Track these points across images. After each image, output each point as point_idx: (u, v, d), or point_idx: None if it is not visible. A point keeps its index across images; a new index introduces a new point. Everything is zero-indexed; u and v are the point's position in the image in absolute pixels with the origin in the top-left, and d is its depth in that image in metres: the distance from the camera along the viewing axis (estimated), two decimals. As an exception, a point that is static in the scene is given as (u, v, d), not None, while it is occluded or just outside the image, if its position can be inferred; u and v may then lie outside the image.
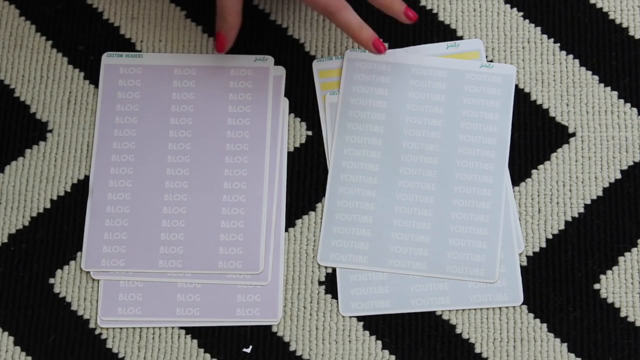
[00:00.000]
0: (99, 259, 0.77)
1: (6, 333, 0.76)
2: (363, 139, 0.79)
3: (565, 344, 0.76)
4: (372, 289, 0.77)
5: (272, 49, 0.82)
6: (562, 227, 0.78)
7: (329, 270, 0.77)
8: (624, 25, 0.82)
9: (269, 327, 0.76)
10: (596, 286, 0.77)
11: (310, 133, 0.80)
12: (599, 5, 0.83)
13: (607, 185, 0.79)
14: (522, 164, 0.79)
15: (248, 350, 0.76)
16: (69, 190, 0.79)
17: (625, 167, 0.79)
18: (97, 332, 0.76)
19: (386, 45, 0.79)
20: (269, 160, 0.79)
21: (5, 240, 0.78)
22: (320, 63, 0.81)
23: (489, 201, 0.78)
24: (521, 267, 0.77)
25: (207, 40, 0.82)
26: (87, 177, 0.79)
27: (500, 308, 0.76)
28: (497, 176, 0.79)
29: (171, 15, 0.83)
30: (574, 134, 0.80)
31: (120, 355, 0.76)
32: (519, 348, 0.76)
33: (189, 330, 0.76)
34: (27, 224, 0.79)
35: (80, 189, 0.79)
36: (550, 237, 0.78)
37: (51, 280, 0.77)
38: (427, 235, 0.77)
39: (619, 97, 0.81)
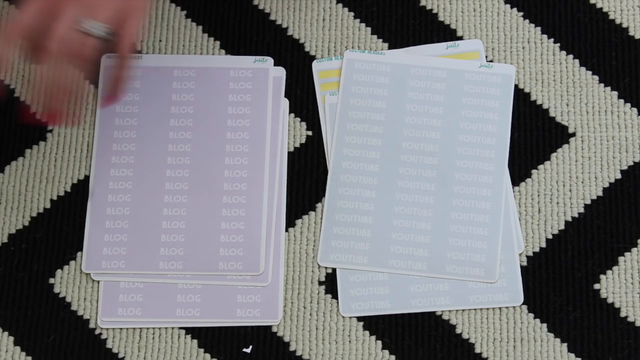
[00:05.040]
0: (99, 260, 0.77)
1: (6, 333, 0.76)
2: (363, 140, 0.79)
3: (565, 344, 0.76)
4: (372, 289, 0.77)
5: (272, 49, 0.82)
6: (562, 227, 0.78)
7: (329, 271, 0.77)
8: (624, 25, 0.82)
9: (269, 327, 0.76)
10: (596, 286, 0.77)
11: (310, 133, 0.80)
12: (599, 5, 0.82)
13: (607, 185, 0.79)
14: (522, 164, 0.79)
15: (248, 350, 0.76)
16: (69, 190, 0.79)
17: (625, 167, 0.79)
18: (97, 332, 0.76)
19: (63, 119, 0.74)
20: (269, 160, 0.79)
21: (5, 240, 0.78)
22: (320, 63, 0.81)
23: (489, 201, 0.78)
24: (521, 267, 0.77)
25: (208, 40, 0.82)
26: (87, 177, 0.79)
27: (500, 308, 0.76)
28: (497, 176, 0.79)
29: (171, 15, 0.83)
30: (574, 134, 0.80)
31: (120, 355, 0.76)
32: (519, 348, 0.76)
33: (189, 330, 0.76)
34: (27, 224, 0.79)
35: (80, 189, 0.79)
36: (550, 237, 0.78)
37: (51, 280, 0.77)
38: (427, 235, 0.77)
39: (619, 97, 0.81)
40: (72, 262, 0.78)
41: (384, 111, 0.80)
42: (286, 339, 0.76)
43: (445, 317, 0.76)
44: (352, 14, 0.83)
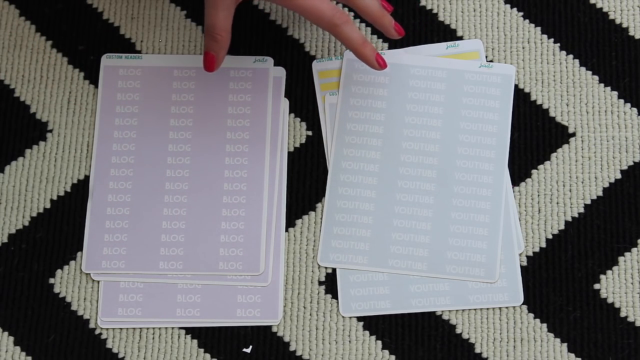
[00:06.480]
0: (99, 260, 0.77)
1: (6, 333, 0.76)
2: (363, 140, 0.79)
3: (565, 344, 0.76)
4: (372, 289, 0.77)
5: (272, 49, 0.82)
6: (562, 227, 0.78)
7: (329, 270, 0.77)
8: (624, 25, 0.82)
9: (269, 327, 0.76)
10: (596, 286, 0.77)
11: (310, 133, 0.80)
12: (599, 5, 0.82)
13: (607, 185, 0.79)
14: (522, 164, 0.79)
15: (248, 350, 0.76)
16: (69, 190, 0.79)
17: (625, 167, 0.79)
18: (97, 332, 0.76)
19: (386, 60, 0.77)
20: (269, 160, 0.79)
21: (5, 240, 0.78)
22: (320, 63, 0.81)
23: (489, 201, 0.78)
24: (521, 267, 0.77)
25: (207, 40, 0.82)
26: (87, 177, 0.79)
27: (500, 308, 0.76)
28: (497, 176, 0.79)
29: (171, 15, 0.83)
30: (574, 134, 0.80)
31: (120, 355, 0.76)
32: (519, 348, 0.76)
33: (189, 330, 0.76)
34: (27, 224, 0.79)
35: (80, 189, 0.79)
36: (550, 237, 0.78)
37: (51, 280, 0.77)
38: (427, 235, 0.77)
39: (619, 97, 0.81)
40: (72, 262, 0.78)
41: (384, 111, 0.80)
42: (286, 339, 0.76)
43: (445, 317, 0.76)
44: (351, 14, 0.82)
